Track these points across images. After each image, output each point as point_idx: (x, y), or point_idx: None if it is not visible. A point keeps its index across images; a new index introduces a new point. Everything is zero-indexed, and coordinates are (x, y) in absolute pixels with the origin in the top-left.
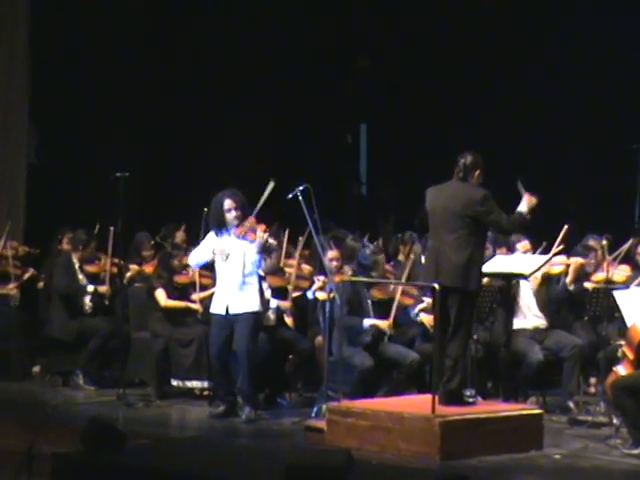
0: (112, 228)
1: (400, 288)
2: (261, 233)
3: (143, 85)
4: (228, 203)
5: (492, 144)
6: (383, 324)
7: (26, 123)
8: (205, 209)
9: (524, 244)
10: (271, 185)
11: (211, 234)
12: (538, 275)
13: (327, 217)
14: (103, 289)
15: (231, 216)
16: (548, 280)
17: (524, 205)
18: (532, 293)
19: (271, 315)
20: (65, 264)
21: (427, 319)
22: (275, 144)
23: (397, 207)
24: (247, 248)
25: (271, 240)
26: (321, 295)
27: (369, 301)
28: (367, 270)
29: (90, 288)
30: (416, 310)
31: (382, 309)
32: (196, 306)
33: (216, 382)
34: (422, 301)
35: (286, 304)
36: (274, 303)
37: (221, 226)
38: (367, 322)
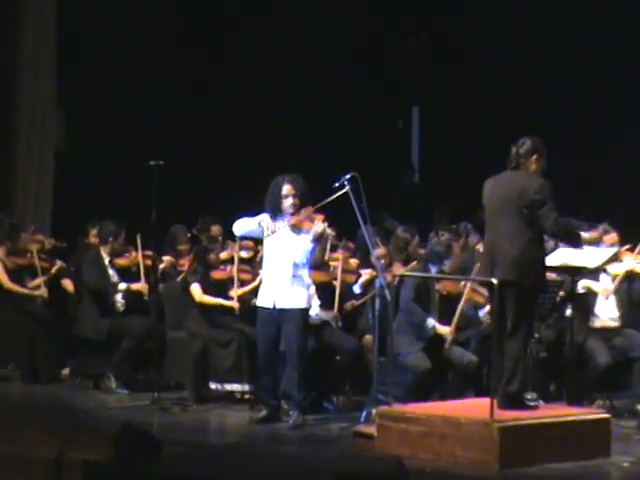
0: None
1: (470, 284)
2: (319, 222)
3: (178, 68)
4: (287, 189)
5: (556, 128)
6: (445, 330)
7: (54, 109)
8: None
9: (612, 236)
10: (346, 189)
11: (264, 215)
12: (621, 271)
13: (378, 207)
14: (138, 286)
15: (288, 203)
16: (631, 278)
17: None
18: (612, 290)
19: (312, 312)
20: (93, 258)
21: (444, 330)
22: (321, 130)
23: (452, 196)
24: (300, 237)
25: (329, 231)
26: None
27: (437, 294)
28: (440, 259)
29: (122, 286)
30: (485, 310)
31: (449, 305)
32: (232, 303)
33: (260, 384)
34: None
35: (328, 312)
36: (315, 309)
37: (276, 212)
38: (430, 321)
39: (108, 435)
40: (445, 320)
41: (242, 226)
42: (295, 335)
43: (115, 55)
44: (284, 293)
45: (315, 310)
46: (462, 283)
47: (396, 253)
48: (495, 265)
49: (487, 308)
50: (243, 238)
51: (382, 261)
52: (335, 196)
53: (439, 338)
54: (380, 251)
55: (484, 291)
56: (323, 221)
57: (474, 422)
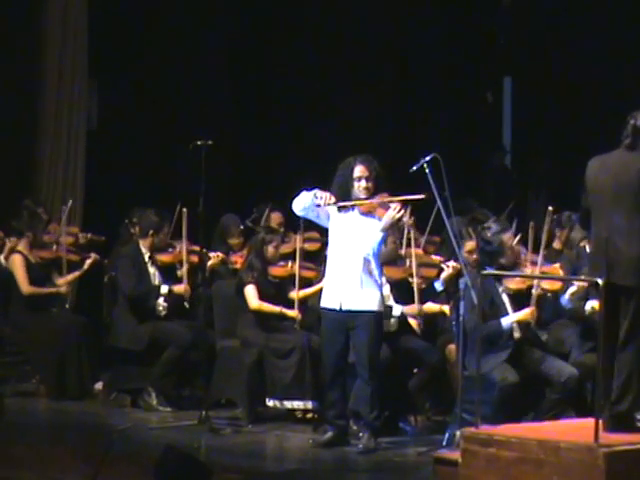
0: (184, 209)
1: (537, 271)
2: (395, 210)
3: (234, 33)
4: (360, 170)
5: None
6: (524, 314)
7: (85, 82)
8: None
9: None
10: (420, 197)
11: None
12: None
13: (464, 194)
14: (180, 289)
15: (360, 187)
16: None
17: None
18: None
19: (392, 320)
20: (132, 255)
21: (523, 315)
22: (397, 105)
23: (550, 181)
24: (372, 227)
25: (406, 219)
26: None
27: (504, 296)
28: (493, 257)
29: (164, 289)
30: (567, 295)
31: (522, 301)
32: (292, 313)
33: (326, 401)
34: (571, 284)
35: (413, 308)
36: (398, 309)
37: (345, 196)
38: (505, 321)
39: (148, 461)
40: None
41: (298, 201)
42: (366, 343)
43: (155, 23)
44: (353, 292)
45: (399, 310)
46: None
47: None
48: (610, 265)
49: (570, 290)
50: (305, 223)
51: (474, 256)
52: (414, 198)
53: (526, 348)
54: (471, 244)
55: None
56: (402, 209)
57: (576, 447)
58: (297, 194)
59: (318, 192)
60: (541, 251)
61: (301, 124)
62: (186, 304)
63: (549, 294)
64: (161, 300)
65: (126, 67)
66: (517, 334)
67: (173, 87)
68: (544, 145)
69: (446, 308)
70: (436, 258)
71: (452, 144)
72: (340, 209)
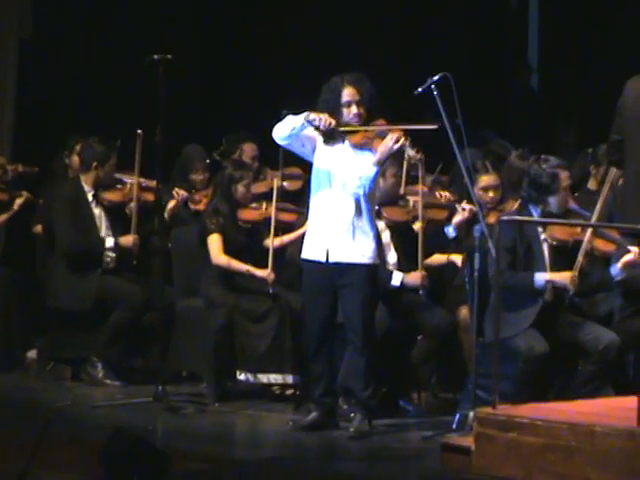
0: (140, 131)
1: (590, 229)
2: (392, 139)
3: None
4: (349, 93)
5: None
6: (563, 276)
7: None
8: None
9: None
10: (433, 126)
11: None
12: None
13: (480, 123)
14: (128, 240)
15: (350, 112)
16: None
17: None
18: None
19: (394, 282)
20: (71, 195)
21: (563, 276)
22: (400, 12)
23: (585, 106)
24: (366, 162)
25: (411, 151)
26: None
27: (544, 245)
28: (543, 193)
29: (109, 242)
30: (619, 265)
31: (565, 258)
32: (262, 272)
33: (309, 374)
34: (627, 250)
35: (417, 276)
36: (397, 278)
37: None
38: (539, 277)
39: (92, 446)
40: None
41: (284, 126)
42: (359, 303)
43: None
44: (342, 241)
45: (398, 279)
46: (579, 228)
47: (509, 189)
48: None
49: (623, 259)
50: (285, 156)
51: (491, 194)
52: (426, 127)
53: (559, 311)
54: (488, 178)
55: (614, 235)
56: (401, 137)
57: (614, 431)
58: (278, 120)
59: (313, 114)
60: None
61: (279, 35)
62: (134, 261)
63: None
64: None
65: None
66: (548, 297)
67: None
68: (579, 62)
69: (457, 258)
70: (445, 194)
71: (466, 60)
72: (327, 140)
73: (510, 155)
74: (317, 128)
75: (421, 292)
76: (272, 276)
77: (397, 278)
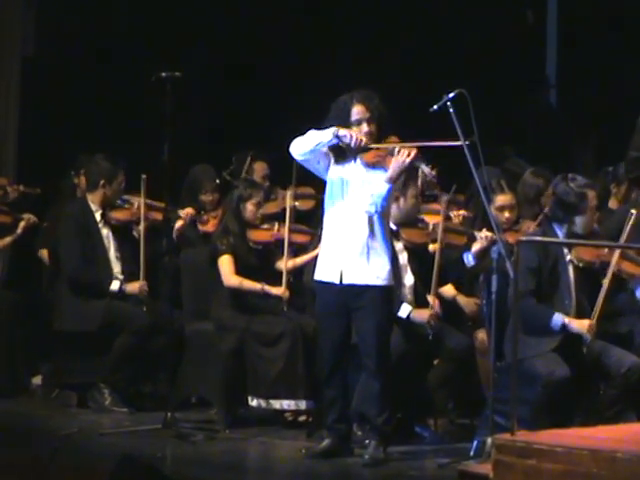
0: (144, 176)
1: (618, 251)
2: (403, 154)
3: None
4: (358, 111)
5: None
6: (582, 324)
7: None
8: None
9: None
10: (458, 143)
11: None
12: None
13: (498, 140)
14: (134, 287)
15: (360, 130)
16: None
17: None
18: None
19: (402, 314)
20: (78, 216)
21: (580, 325)
22: (413, 26)
23: (604, 123)
24: (377, 181)
25: (426, 168)
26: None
27: (570, 266)
28: (570, 212)
29: (114, 286)
30: None
31: (591, 280)
32: (278, 290)
33: (324, 400)
34: None
35: (423, 313)
36: (405, 310)
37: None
38: (557, 319)
39: (100, 475)
40: (581, 306)
41: (307, 141)
42: (374, 326)
43: None
44: (356, 262)
45: (406, 311)
46: (606, 249)
47: (525, 206)
48: None
49: None
50: (298, 175)
51: (507, 215)
52: (451, 144)
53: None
54: (504, 197)
55: None
56: (415, 155)
57: (637, 458)
58: (291, 139)
59: (342, 130)
60: None
61: (293, 47)
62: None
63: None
64: (116, 273)
65: None
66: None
67: (137, 5)
68: (598, 77)
69: (464, 302)
70: (460, 213)
71: (482, 77)
72: (339, 158)
73: (525, 172)
74: (347, 145)
75: (429, 331)
76: (287, 294)
77: (405, 311)
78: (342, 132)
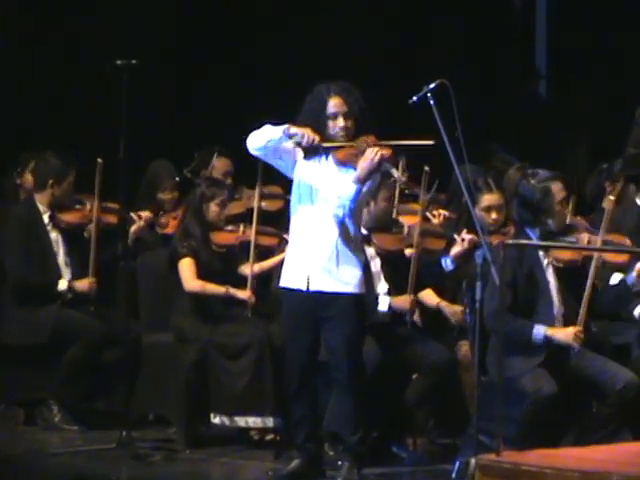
0: (100, 160)
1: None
2: (373, 152)
3: None
4: (335, 104)
5: None
6: (566, 333)
7: None
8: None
9: None
10: (428, 143)
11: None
12: None
13: (483, 134)
14: (83, 285)
15: (336, 125)
16: None
17: None
18: None
19: (382, 307)
20: (23, 218)
21: (565, 334)
22: (393, 10)
23: (598, 116)
24: (346, 181)
25: (394, 172)
26: None
27: (549, 270)
28: (537, 214)
29: (62, 285)
30: (634, 272)
31: (576, 281)
32: (243, 293)
33: (292, 417)
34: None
35: (405, 300)
36: (385, 302)
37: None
38: (538, 331)
39: None
40: (570, 309)
41: (260, 135)
42: (344, 339)
43: None
44: (323, 267)
45: (385, 303)
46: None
47: (510, 206)
48: None
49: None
50: (263, 173)
51: (494, 216)
52: (421, 143)
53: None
54: (490, 197)
55: (626, 242)
56: (387, 155)
57: None
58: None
59: (294, 128)
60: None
61: (260, 35)
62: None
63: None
64: (65, 279)
65: None
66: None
67: None
68: (592, 67)
69: (449, 310)
70: (441, 213)
71: (466, 66)
72: (308, 155)
73: (510, 169)
74: (298, 144)
75: (408, 318)
76: (253, 298)
77: (384, 302)
78: (293, 130)
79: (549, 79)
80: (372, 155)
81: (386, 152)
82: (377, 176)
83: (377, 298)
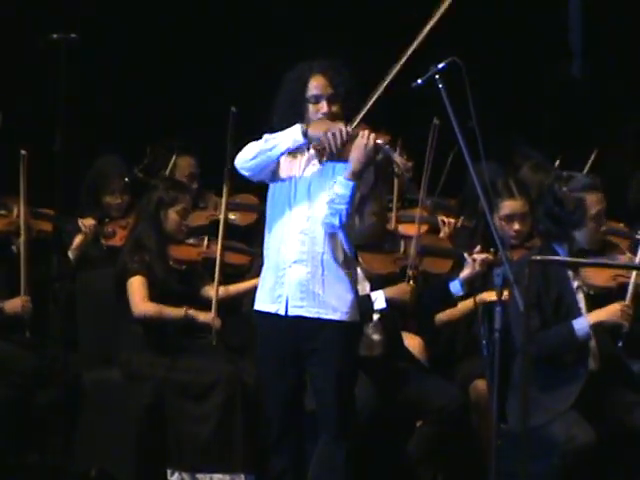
0: (24, 152)
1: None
2: (364, 136)
3: None
4: (317, 85)
5: None
6: (611, 310)
7: None
8: (233, 109)
9: None
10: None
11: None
12: None
13: (506, 124)
14: (16, 304)
15: (318, 110)
16: None
17: None
18: None
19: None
20: None
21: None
22: None
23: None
24: (338, 181)
25: (396, 157)
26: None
27: (579, 295)
28: (567, 228)
29: None
30: None
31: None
32: (206, 316)
33: (273, 471)
34: None
35: (401, 289)
36: (381, 299)
37: (293, 125)
38: (580, 323)
39: None
40: (607, 344)
41: (257, 153)
42: (332, 378)
43: None
44: (306, 288)
45: (381, 299)
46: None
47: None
48: None
49: None
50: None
51: (517, 226)
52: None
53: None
54: (512, 203)
55: None
56: (383, 140)
57: None
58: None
59: (313, 127)
60: None
61: (230, 11)
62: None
63: None
64: None
65: None
66: (593, 364)
67: None
68: (629, 48)
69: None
70: (450, 221)
71: (484, 43)
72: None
73: (525, 166)
74: (322, 149)
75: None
76: (218, 323)
77: (380, 298)
78: (315, 131)
79: (584, 59)
80: (364, 140)
81: (382, 138)
82: (371, 176)
83: (370, 298)
